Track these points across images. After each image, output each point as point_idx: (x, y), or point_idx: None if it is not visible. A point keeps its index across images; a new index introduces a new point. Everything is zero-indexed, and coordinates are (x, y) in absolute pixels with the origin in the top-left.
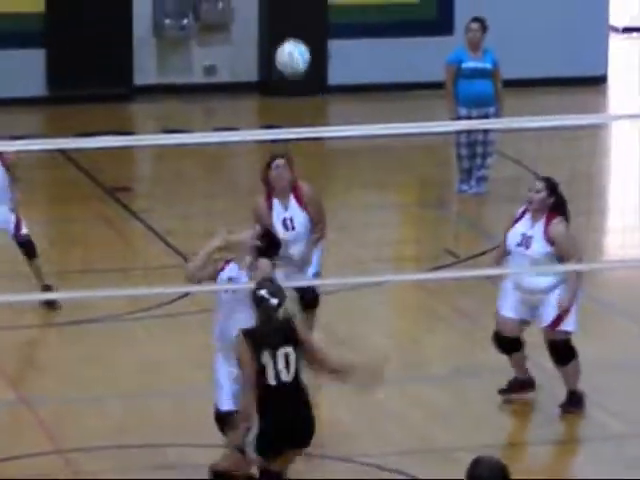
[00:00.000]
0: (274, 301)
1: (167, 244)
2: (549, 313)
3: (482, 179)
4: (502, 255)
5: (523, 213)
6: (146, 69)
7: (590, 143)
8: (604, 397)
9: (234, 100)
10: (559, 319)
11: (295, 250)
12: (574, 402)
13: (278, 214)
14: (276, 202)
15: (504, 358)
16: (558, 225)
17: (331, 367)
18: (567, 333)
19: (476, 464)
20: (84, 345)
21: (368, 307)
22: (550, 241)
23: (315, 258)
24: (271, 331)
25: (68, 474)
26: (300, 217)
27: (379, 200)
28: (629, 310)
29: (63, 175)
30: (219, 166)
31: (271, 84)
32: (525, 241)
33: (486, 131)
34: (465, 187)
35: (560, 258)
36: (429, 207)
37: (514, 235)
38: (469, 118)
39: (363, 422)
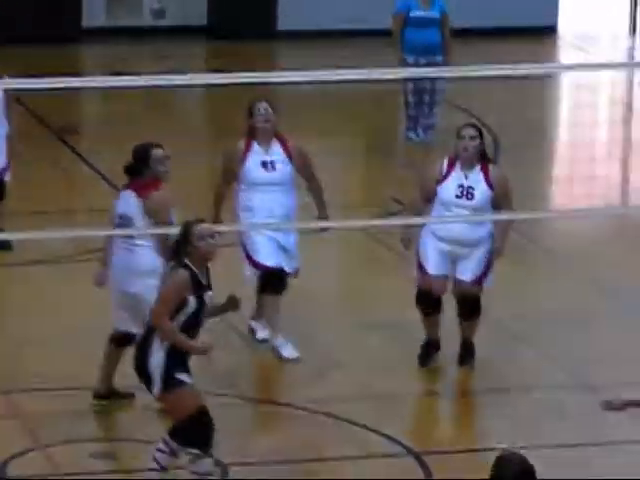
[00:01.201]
0: None
1: (113, 186)
2: (475, 267)
3: (429, 127)
4: (420, 207)
5: (452, 164)
6: (94, 11)
7: (539, 93)
8: (548, 346)
9: (183, 44)
10: (484, 275)
11: (275, 199)
12: (472, 352)
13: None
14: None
15: (448, 306)
16: (498, 170)
17: None
18: (482, 289)
19: (501, 463)
20: (28, 286)
21: (314, 253)
22: (491, 187)
23: (295, 250)
24: None
25: (9, 415)
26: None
27: (326, 147)
28: (575, 259)
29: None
30: (167, 109)
31: (220, 28)
32: (466, 192)
33: (434, 79)
34: (412, 135)
35: (494, 206)
36: (376, 154)
37: (450, 189)
38: (416, 66)
39: (307, 368)
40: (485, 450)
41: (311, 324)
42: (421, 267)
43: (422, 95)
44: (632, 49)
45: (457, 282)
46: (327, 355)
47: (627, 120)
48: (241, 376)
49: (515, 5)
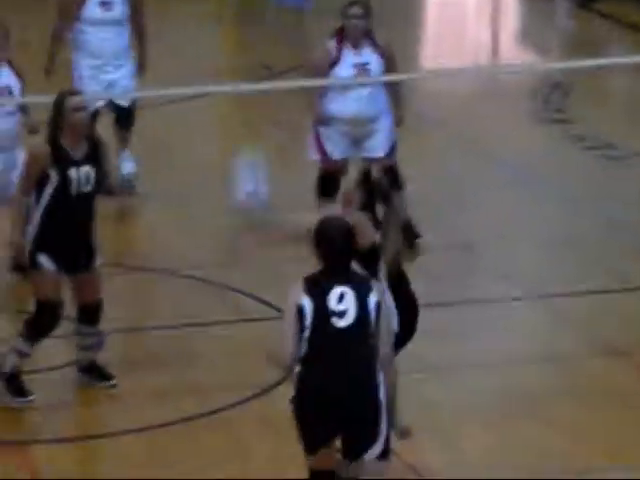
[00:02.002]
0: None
1: None
2: (382, 142)
3: None
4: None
5: (340, 44)
6: None
7: None
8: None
9: None
10: (393, 147)
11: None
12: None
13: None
14: None
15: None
16: (381, 37)
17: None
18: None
19: (323, 225)
20: None
21: (189, 120)
22: (382, 56)
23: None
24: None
25: None
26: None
27: (196, 12)
28: (444, 120)
29: None
30: None
31: None
32: (362, 69)
33: None
34: None
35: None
36: (247, 21)
37: (346, 69)
38: None
39: (185, 236)
40: None
41: (184, 192)
42: (323, 151)
43: None
44: None
45: (370, 161)
46: (200, 222)
47: None
48: (115, 243)
49: None
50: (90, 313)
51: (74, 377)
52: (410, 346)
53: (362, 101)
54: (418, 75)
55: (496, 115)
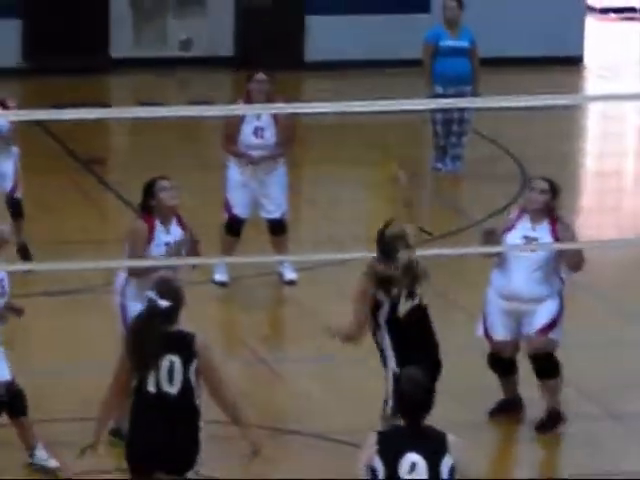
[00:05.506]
0: (162, 303)
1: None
2: (538, 320)
3: (457, 157)
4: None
5: (520, 215)
6: (122, 42)
7: (566, 124)
8: (577, 378)
9: (209, 74)
10: (550, 326)
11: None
12: (553, 421)
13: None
14: None
15: (477, 337)
16: (568, 230)
17: (223, 404)
18: (554, 342)
19: (402, 378)
20: (57, 317)
21: (341, 284)
22: (557, 239)
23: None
24: (154, 337)
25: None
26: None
27: (353, 176)
28: (604, 291)
29: (39, 146)
30: (194, 139)
31: (247, 59)
32: (529, 241)
33: (462, 110)
34: (440, 165)
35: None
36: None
37: (513, 239)
38: (445, 96)
39: (334, 398)
40: None
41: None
42: (487, 331)
43: (451, 125)
44: None
45: (526, 339)
46: (353, 384)
47: None
48: (269, 406)
49: (542, 35)
50: None
51: None
52: None
53: (524, 281)
54: (578, 245)
55: None
